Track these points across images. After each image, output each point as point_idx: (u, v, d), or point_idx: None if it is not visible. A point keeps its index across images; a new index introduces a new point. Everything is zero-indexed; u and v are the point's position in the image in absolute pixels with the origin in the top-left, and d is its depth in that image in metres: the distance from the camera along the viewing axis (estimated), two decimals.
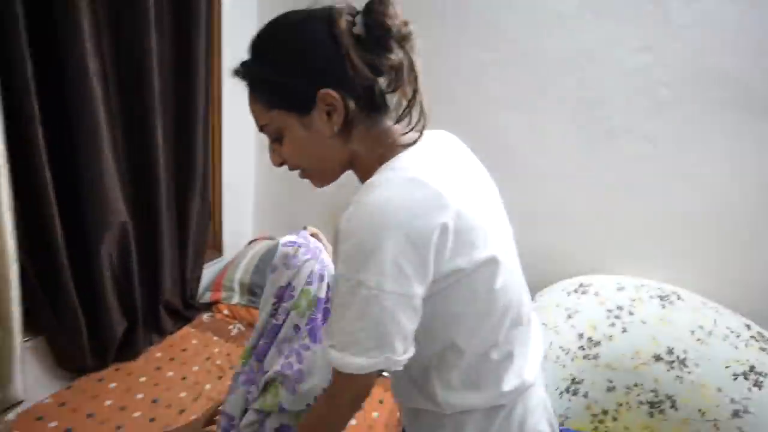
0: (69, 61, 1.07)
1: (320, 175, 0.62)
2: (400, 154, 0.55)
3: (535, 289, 1.56)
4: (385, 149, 0.57)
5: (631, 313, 1.42)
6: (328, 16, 0.52)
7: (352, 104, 0.53)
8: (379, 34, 0.51)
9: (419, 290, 0.50)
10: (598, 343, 1.40)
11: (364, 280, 0.48)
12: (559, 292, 1.54)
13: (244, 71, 0.58)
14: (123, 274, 1.37)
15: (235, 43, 1.70)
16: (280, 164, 0.62)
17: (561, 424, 1.38)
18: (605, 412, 1.41)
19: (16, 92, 0.97)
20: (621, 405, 1.39)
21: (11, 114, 0.97)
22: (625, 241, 1.57)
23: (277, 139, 0.59)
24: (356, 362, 0.50)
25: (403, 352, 0.52)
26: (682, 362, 1.33)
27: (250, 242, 2.06)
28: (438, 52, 1.62)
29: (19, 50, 0.96)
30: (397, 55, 0.52)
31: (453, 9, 1.57)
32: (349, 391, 0.56)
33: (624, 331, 1.40)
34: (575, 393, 1.39)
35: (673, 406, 1.33)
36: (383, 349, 0.50)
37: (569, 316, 1.45)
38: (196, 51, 1.43)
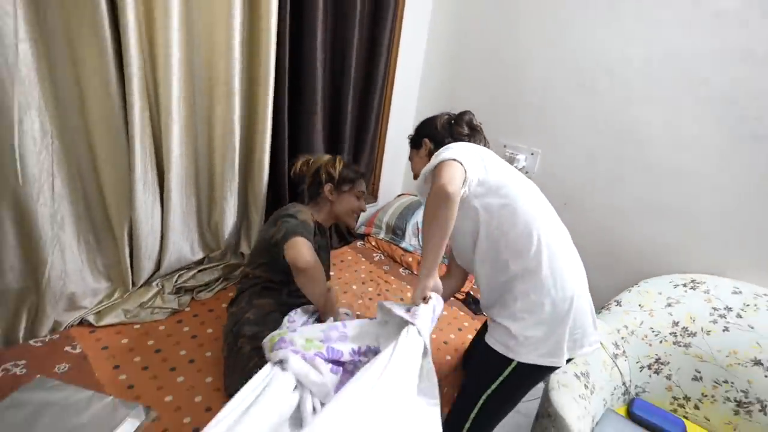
0: (306, 53, 1.65)
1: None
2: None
3: (645, 277, 1.67)
4: None
5: (739, 316, 1.44)
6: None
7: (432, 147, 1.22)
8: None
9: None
10: (693, 334, 1.47)
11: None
12: (666, 283, 1.61)
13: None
14: None
15: (407, 44, 2.17)
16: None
17: (637, 395, 1.53)
18: (687, 398, 1.48)
19: (278, 73, 1.58)
20: (705, 396, 1.45)
21: (276, 86, 1.58)
22: (753, 249, 1.53)
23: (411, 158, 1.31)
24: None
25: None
26: None
27: (398, 195, 2.57)
28: (585, 46, 1.78)
29: (282, 47, 1.56)
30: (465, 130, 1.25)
31: (606, 3, 1.69)
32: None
33: (725, 330, 1.43)
34: (657, 372, 1.50)
35: (762, 410, 1.34)
36: None
37: (669, 305, 1.53)
38: (380, 46, 1.92)
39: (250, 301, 1.28)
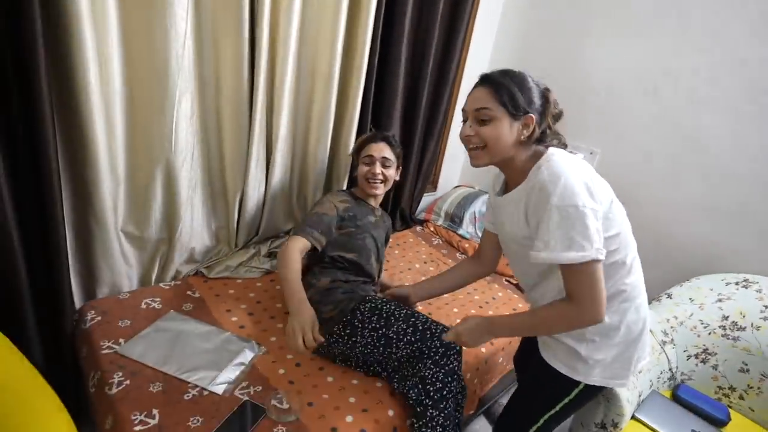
0: (391, 53, 1.85)
1: (487, 156, 0.95)
2: (549, 153, 0.92)
3: (695, 274, 1.77)
4: (535, 155, 0.96)
5: None
6: (546, 89, 0.98)
7: (536, 132, 0.93)
8: (555, 113, 0.98)
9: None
10: (742, 329, 1.56)
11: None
12: (719, 280, 1.70)
13: (493, 78, 0.93)
14: None
15: (476, 48, 2.34)
16: (467, 137, 0.95)
17: (682, 381, 1.64)
18: (732, 389, 1.58)
19: (369, 70, 1.78)
20: (751, 387, 1.54)
21: (366, 82, 1.79)
22: None
23: (483, 121, 0.92)
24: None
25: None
26: None
27: (456, 186, 2.74)
28: (652, 56, 1.88)
29: (374, 49, 1.76)
30: (552, 123, 0.98)
31: (677, 14, 1.79)
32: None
33: None
34: (704, 361, 1.61)
35: None
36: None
37: (719, 300, 1.63)
38: (454, 49, 2.10)
39: (312, 280, 1.41)
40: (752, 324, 1.55)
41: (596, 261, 0.83)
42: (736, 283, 1.66)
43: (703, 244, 1.85)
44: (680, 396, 1.53)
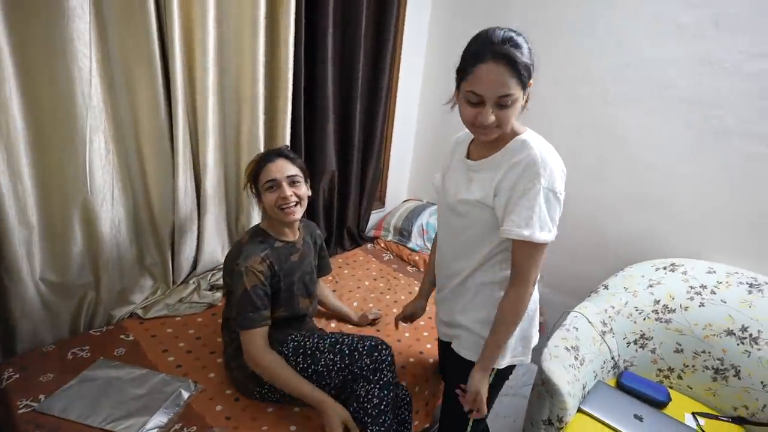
0: (318, 74, 1.88)
1: (498, 131, 0.90)
2: (528, 130, 0.96)
3: (630, 263, 1.85)
4: (516, 128, 0.96)
5: (713, 293, 1.60)
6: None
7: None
8: None
9: None
10: (672, 311, 1.64)
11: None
12: (648, 267, 1.78)
13: (510, 55, 0.80)
14: (328, 204, 2.22)
15: (407, 60, 2.39)
16: (488, 126, 0.87)
17: (625, 369, 1.69)
18: (671, 369, 1.64)
19: (295, 90, 1.80)
20: (687, 366, 1.61)
21: (294, 102, 1.80)
22: (727, 234, 1.70)
23: (504, 106, 0.85)
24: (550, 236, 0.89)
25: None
26: (754, 340, 1.48)
27: (405, 201, 2.78)
28: (569, 59, 1.99)
29: (298, 67, 1.78)
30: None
31: (585, 22, 1.91)
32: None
33: (701, 305, 1.60)
34: (643, 347, 1.67)
35: (737, 375, 1.50)
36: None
37: (650, 286, 1.71)
38: (384, 60, 2.15)
39: (231, 362, 1.29)
40: (681, 305, 1.63)
41: (547, 244, 0.91)
42: (664, 268, 1.75)
43: (634, 234, 1.94)
44: (623, 383, 1.58)
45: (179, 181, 1.53)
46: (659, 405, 1.52)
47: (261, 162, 1.25)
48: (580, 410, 1.44)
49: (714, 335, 1.56)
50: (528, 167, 0.88)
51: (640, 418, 1.43)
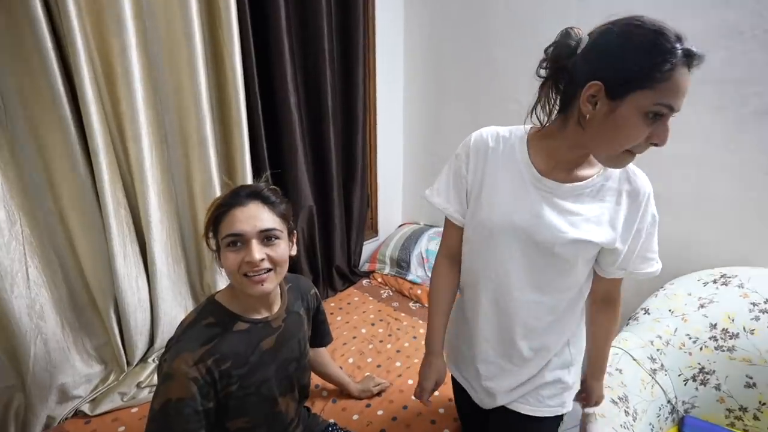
0: (278, 98, 1.63)
1: None
2: None
3: (670, 278, 1.55)
4: None
5: None
6: None
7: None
8: None
9: None
10: (735, 336, 1.33)
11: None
12: (694, 281, 1.48)
13: (697, 63, 0.66)
14: (309, 243, 1.94)
15: (383, 75, 2.15)
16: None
17: (686, 412, 1.37)
18: (744, 409, 1.33)
19: (252, 123, 1.55)
20: (764, 404, 1.30)
21: (252, 137, 1.55)
22: None
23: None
24: None
25: None
26: None
27: (400, 226, 2.49)
28: None
29: (253, 91, 1.53)
30: None
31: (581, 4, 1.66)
32: None
33: None
34: (704, 383, 1.36)
35: None
36: None
37: (702, 306, 1.40)
38: (356, 81, 1.90)
39: None
40: (744, 328, 1.32)
41: None
42: (714, 281, 1.44)
43: (668, 241, 1.63)
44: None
45: (114, 245, 1.26)
46: None
47: (225, 205, 0.83)
48: None
49: None
50: (647, 195, 0.76)
51: None
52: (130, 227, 1.31)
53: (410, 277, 2.12)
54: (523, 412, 0.92)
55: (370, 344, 1.72)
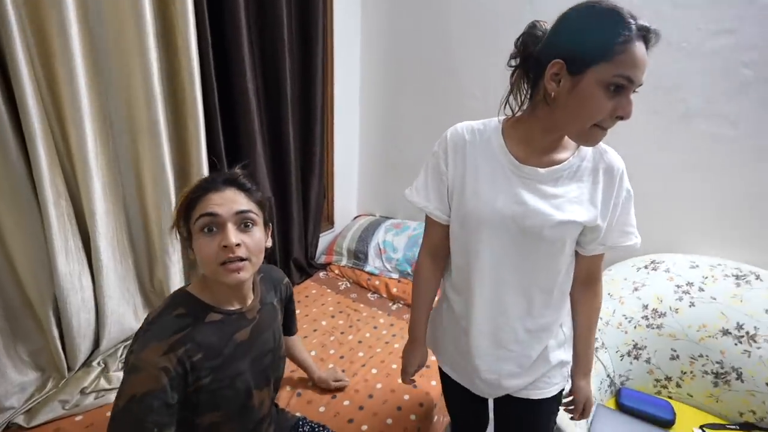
0: (236, 84, 1.55)
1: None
2: None
3: (609, 264, 1.69)
4: None
5: (701, 290, 1.48)
6: None
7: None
8: None
9: None
10: (662, 314, 1.50)
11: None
12: (629, 267, 1.64)
13: (652, 41, 0.68)
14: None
15: (340, 66, 2.13)
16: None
17: (622, 384, 1.53)
18: (668, 378, 1.50)
19: (208, 111, 1.47)
20: (685, 373, 1.48)
21: (208, 125, 1.46)
22: (701, 222, 1.60)
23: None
24: None
25: None
26: (752, 338, 1.37)
27: (355, 217, 2.49)
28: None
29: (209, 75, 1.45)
30: None
31: (521, 12, 1.74)
32: None
33: (691, 305, 1.47)
34: (637, 357, 1.51)
35: (739, 377, 1.38)
36: None
37: (636, 289, 1.56)
38: (315, 71, 1.87)
39: None
40: (671, 307, 1.50)
41: None
42: (645, 267, 1.61)
43: None
44: (623, 403, 1.42)
45: (55, 240, 1.14)
46: (666, 424, 1.37)
47: (199, 189, 0.80)
48: None
49: (709, 336, 1.43)
50: (617, 171, 0.80)
51: None
52: (71, 220, 1.19)
53: (368, 269, 2.13)
54: (533, 398, 0.94)
55: (331, 336, 1.72)
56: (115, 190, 1.32)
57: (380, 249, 2.17)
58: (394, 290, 2.01)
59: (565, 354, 0.94)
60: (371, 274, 2.11)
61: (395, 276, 2.07)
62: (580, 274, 0.89)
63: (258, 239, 0.81)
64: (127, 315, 1.41)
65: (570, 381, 0.98)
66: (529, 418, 0.98)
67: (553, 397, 0.94)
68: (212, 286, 0.83)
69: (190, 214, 0.79)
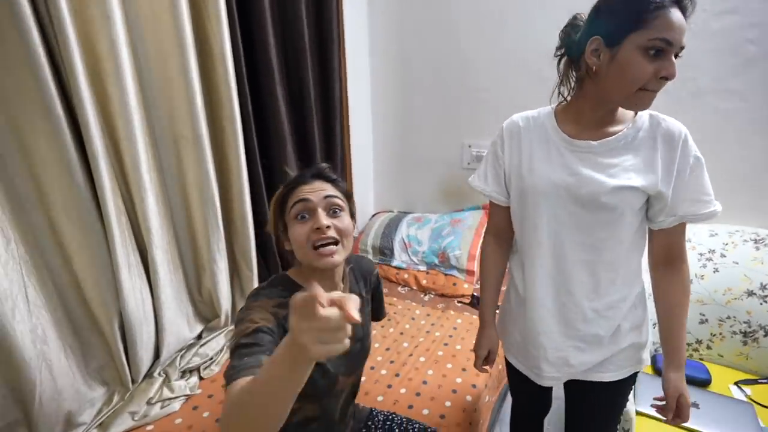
0: (264, 86, 1.59)
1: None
2: None
3: None
4: None
5: (723, 256, 1.58)
6: None
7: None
8: None
9: None
10: (690, 282, 1.59)
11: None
12: None
13: (688, 6, 0.72)
14: None
15: (352, 66, 2.16)
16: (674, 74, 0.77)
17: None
18: (699, 342, 1.60)
19: (242, 115, 1.50)
20: (714, 335, 1.57)
21: (245, 131, 1.50)
22: (717, 192, 1.66)
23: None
24: None
25: None
26: None
27: (373, 215, 2.54)
28: (525, 37, 1.87)
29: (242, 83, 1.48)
30: None
31: None
32: None
33: (716, 271, 1.56)
34: None
35: (766, 334, 1.47)
36: None
37: None
38: (332, 71, 1.91)
39: None
40: (696, 275, 1.59)
41: None
42: None
43: None
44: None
45: (119, 257, 1.17)
46: (704, 383, 1.46)
47: (291, 184, 0.89)
48: (638, 413, 1.32)
49: (735, 299, 1.52)
50: (684, 136, 0.80)
51: (696, 405, 1.34)
52: (131, 235, 1.22)
53: (395, 263, 2.18)
54: (604, 380, 0.94)
55: (373, 330, 1.77)
56: (164, 202, 1.34)
57: (405, 243, 2.22)
58: (423, 282, 2.07)
59: (640, 336, 0.94)
60: (399, 268, 2.17)
61: (423, 268, 2.12)
62: (657, 252, 0.89)
63: (347, 223, 0.88)
64: (182, 325, 1.44)
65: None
66: (600, 400, 0.99)
67: (624, 379, 0.95)
68: (306, 274, 0.88)
69: (284, 207, 0.87)
